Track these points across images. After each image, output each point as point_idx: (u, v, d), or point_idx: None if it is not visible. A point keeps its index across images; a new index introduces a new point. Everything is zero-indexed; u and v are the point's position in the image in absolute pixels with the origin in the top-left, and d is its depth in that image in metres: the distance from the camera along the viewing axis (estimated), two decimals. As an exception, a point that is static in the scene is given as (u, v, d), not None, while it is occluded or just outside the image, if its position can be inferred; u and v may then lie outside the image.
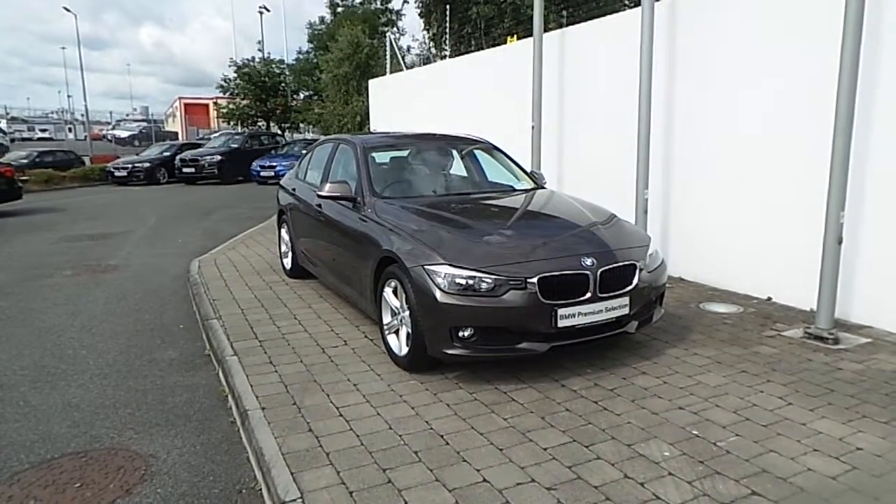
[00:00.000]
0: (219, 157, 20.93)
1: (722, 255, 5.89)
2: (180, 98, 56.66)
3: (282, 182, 7.21)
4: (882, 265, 4.62)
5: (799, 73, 5.08)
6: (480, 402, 3.54)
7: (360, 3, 32.47)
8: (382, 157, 5.51)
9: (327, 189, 4.95)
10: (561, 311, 3.62)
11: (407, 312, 3.88)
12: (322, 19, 34.91)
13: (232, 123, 33.31)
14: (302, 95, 33.79)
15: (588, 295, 3.70)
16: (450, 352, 3.67)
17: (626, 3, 19.72)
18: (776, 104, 5.28)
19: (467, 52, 11.62)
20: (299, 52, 34.56)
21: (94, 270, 7.74)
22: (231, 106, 32.30)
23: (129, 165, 21.33)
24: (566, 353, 4.03)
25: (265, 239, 9.07)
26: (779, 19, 5.21)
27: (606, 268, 3.78)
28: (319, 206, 5.45)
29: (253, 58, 33.04)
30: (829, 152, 4.34)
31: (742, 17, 5.53)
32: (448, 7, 19.33)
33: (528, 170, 5.96)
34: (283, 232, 6.83)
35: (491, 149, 5.93)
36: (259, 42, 49.13)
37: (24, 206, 13.99)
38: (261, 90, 31.39)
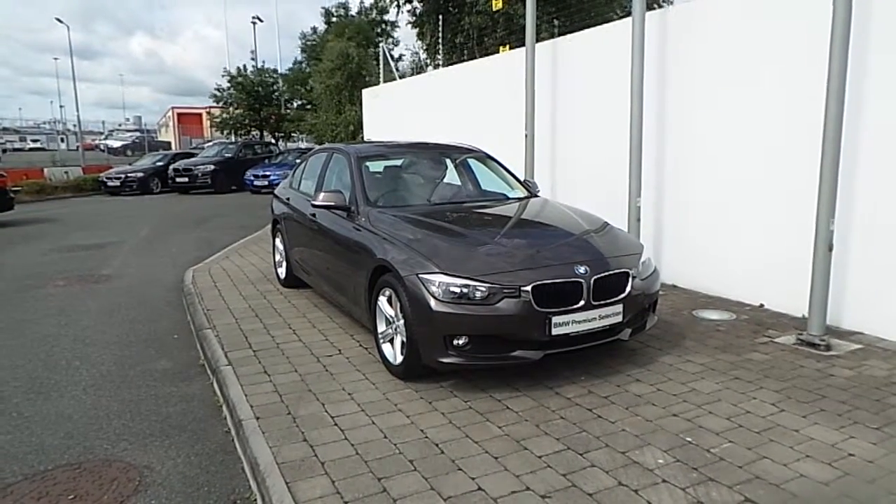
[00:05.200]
0: (212, 167, 20.92)
1: (715, 262, 5.93)
2: (173, 108, 56.63)
3: (276, 191, 7.22)
4: (873, 272, 4.67)
5: (792, 80, 5.14)
6: (475, 410, 3.55)
7: (358, 14, 32.59)
8: (376, 166, 5.54)
9: (321, 198, 4.96)
10: (555, 319, 3.63)
11: (401, 321, 3.88)
12: (314, 29, 35.03)
13: (225, 133, 33.28)
14: (295, 104, 33.81)
15: (582, 303, 3.72)
16: (444, 360, 3.68)
17: (618, 13, 19.88)
18: (769, 112, 5.34)
19: (460, 62, 11.67)
20: (295, 63, 34.61)
21: (87, 281, 7.71)
22: (224, 115, 32.29)
23: (122, 175, 21.26)
24: (560, 361, 4.05)
25: (259, 248, 9.07)
26: (770, 28, 5.27)
27: (600, 275, 3.80)
28: (314, 215, 5.46)
29: (245, 66, 33.09)
30: (819, 160, 4.39)
31: (733, 24, 5.59)
32: (441, 17, 19.41)
33: (522, 178, 6.00)
34: (278, 241, 6.83)
35: (484, 157, 5.96)
36: (252, 52, 49.27)
37: (16, 217, 13.92)
38: (254, 99, 31.40)
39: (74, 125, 37.32)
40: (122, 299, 6.76)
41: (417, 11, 23.09)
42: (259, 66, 33.54)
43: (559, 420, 3.41)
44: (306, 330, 5.13)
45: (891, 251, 4.55)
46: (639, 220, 6.06)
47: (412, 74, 19.16)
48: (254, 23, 37.00)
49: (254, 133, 32.76)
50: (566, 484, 2.78)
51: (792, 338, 4.64)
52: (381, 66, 17.26)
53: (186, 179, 20.74)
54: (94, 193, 21.47)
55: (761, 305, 5.52)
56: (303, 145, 32.61)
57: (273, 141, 31.40)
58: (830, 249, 4.41)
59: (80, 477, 3.14)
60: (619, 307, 3.87)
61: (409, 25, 24.07)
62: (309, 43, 34.63)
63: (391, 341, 4.12)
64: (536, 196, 5.55)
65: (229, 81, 31.64)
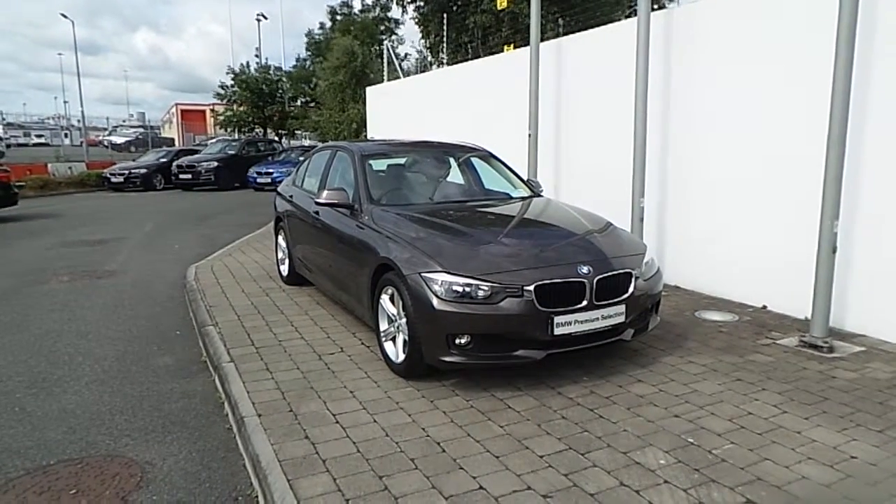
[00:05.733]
0: (215, 164, 20.91)
1: (717, 263, 5.91)
2: (177, 104, 56.58)
3: (279, 189, 7.22)
4: (876, 274, 4.65)
5: (798, 81, 5.12)
6: (477, 409, 3.55)
7: (361, 12, 32.58)
8: (379, 164, 5.53)
9: (325, 196, 4.96)
10: (557, 319, 3.63)
11: (404, 320, 3.88)
12: (322, 25, 35.03)
13: (229, 130, 33.28)
14: (299, 102, 33.82)
15: (584, 303, 3.71)
16: (446, 359, 3.68)
17: (625, 12, 19.84)
18: (774, 112, 5.32)
19: (464, 61, 11.66)
20: (298, 60, 34.61)
21: (90, 276, 7.72)
22: (228, 112, 32.30)
23: (126, 171, 21.28)
24: (562, 361, 4.04)
25: (262, 245, 9.07)
26: (775, 28, 5.26)
27: (603, 276, 3.80)
28: (317, 213, 5.46)
29: (248, 63, 33.10)
30: (823, 162, 4.38)
31: (738, 24, 5.58)
32: (445, 16, 19.44)
33: (525, 178, 5.99)
34: (280, 239, 6.83)
35: (488, 156, 5.95)
36: (257, 49, 49.33)
37: (20, 212, 13.96)
38: (258, 97, 31.41)
39: (78, 121, 37.25)
40: (124, 295, 6.77)
41: (422, 10, 23.11)
42: (263, 63, 33.57)
43: (561, 420, 3.41)
44: (308, 327, 5.13)
45: (895, 253, 4.54)
46: (642, 220, 6.06)
47: (416, 73, 19.15)
48: (258, 20, 37.13)
49: (257, 130, 32.77)
50: (567, 484, 2.78)
51: (795, 339, 4.63)
52: (385, 64, 17.26)
53: (190, 176, 20.74)
54: (98, 189, 21.49)
55: (764, 307, 5.51)
56: (306, 143, 32.64)
57: (276, 138, 31.41)
58: (834, 251, 4.40)
59: (81, 472, 3.15)
60: (622, 307, 3.86)
61: (415, 21, 24.10)
62: (314, 40, 34.64)
63: (393, 339, 4.12)
64: (540, 195, 5.54)
65: (233, 79, 31.65)
